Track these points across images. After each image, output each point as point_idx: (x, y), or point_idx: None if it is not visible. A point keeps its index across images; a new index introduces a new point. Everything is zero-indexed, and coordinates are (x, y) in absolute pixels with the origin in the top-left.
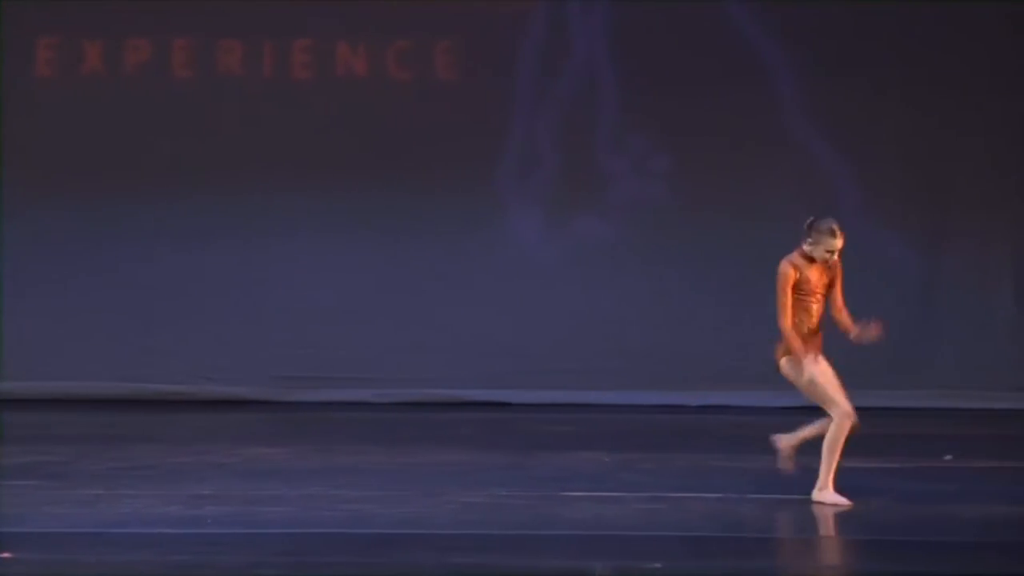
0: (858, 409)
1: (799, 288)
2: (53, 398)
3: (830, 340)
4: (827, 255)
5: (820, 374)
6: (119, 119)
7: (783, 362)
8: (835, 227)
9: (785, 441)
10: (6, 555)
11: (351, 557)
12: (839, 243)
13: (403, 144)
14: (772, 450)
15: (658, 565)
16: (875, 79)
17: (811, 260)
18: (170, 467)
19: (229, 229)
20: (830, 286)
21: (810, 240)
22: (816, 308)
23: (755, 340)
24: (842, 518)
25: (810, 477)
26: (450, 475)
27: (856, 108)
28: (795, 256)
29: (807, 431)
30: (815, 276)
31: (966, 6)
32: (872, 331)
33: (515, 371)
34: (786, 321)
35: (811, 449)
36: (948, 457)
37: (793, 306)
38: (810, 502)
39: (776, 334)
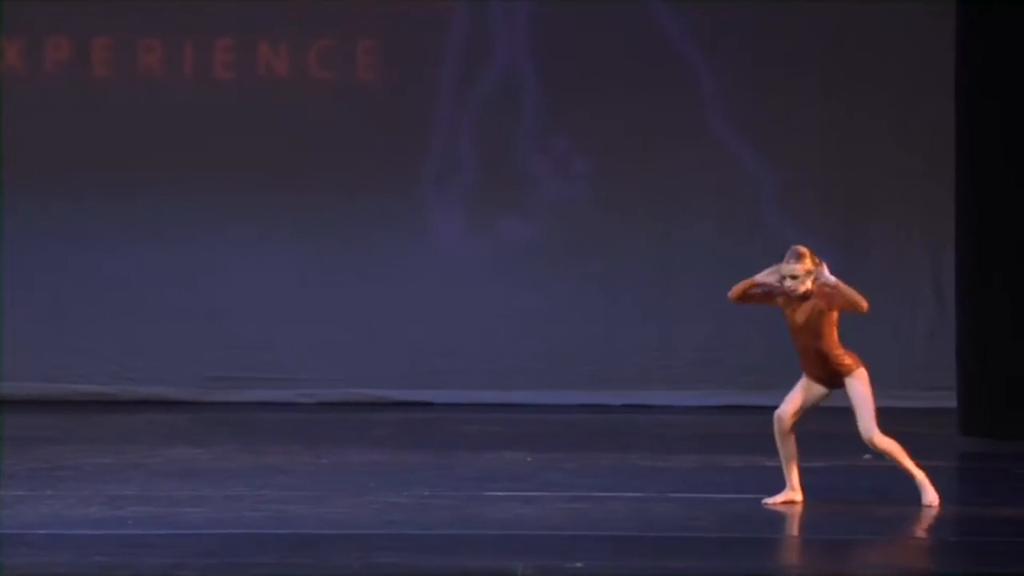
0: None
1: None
2: None
3: (746, 338)
4: (789, 282)
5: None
6: (37, 118)
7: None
8: (794, 250)
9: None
10: None
11: (274, 558)
12: (793, 267)
13: (325, 144)
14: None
15: (580, 564)
16: (795, 80)
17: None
18: (92, 468)
19: (152, 229)
20: (822, 320)
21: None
22: (802, 346)
23: (677, 339)
24: (759, 517)
25: (727, 476)
26: (374, 475)
27: (776, 108)
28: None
29: (791, 475)
30: (799, 314)
31: (886, 6)
32: None
33: (439, 371)
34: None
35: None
36: (867, 456)
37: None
38: (732, 503)
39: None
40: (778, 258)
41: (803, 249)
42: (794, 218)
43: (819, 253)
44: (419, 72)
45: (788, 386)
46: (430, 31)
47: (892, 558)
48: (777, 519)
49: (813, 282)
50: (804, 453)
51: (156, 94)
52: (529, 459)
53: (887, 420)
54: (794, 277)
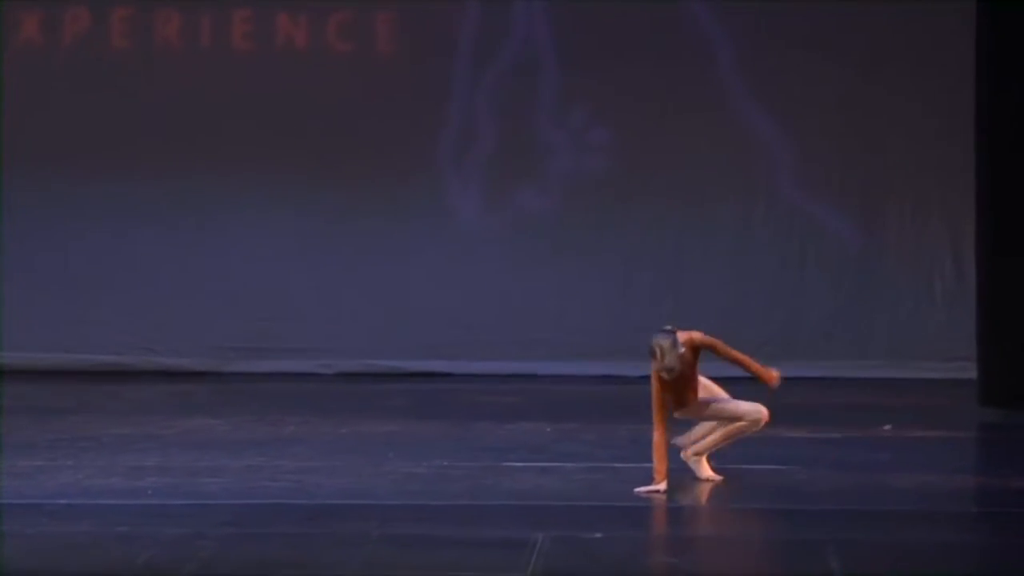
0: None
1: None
2: None
3: (763, 311)
4: (667, 374)
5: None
6: (55, 91)
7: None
8: (651, 346)
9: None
10: None
11: (293, 527)
12: (665, 363)
13: (343, 116)
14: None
15: (599, 534)
16: (814, 49)
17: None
18: (111, 439)
19: (171, 201)
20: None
21: None
22: (689, 408)
23: (694, 311)
24: (779, 487)
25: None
26: (392, 446)
27: (795, 79)
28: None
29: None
30: (678, 387)
31: None
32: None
33: (457, 342)
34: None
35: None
36: (887, 427)
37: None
38: (752, 473)
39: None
40: (795, 231)
41: (658, 345)
42: (812, 191)
43: (838, 227)
44: (437, 44)
45: (806, 357)
46: (449, 2)
47: (911, 529)
48: (795, 488)
49: (676, 358)
50: (820, 424)
51: (174, 66)
52: (548, 430)
53: (908, 391)
54: (670, 369)
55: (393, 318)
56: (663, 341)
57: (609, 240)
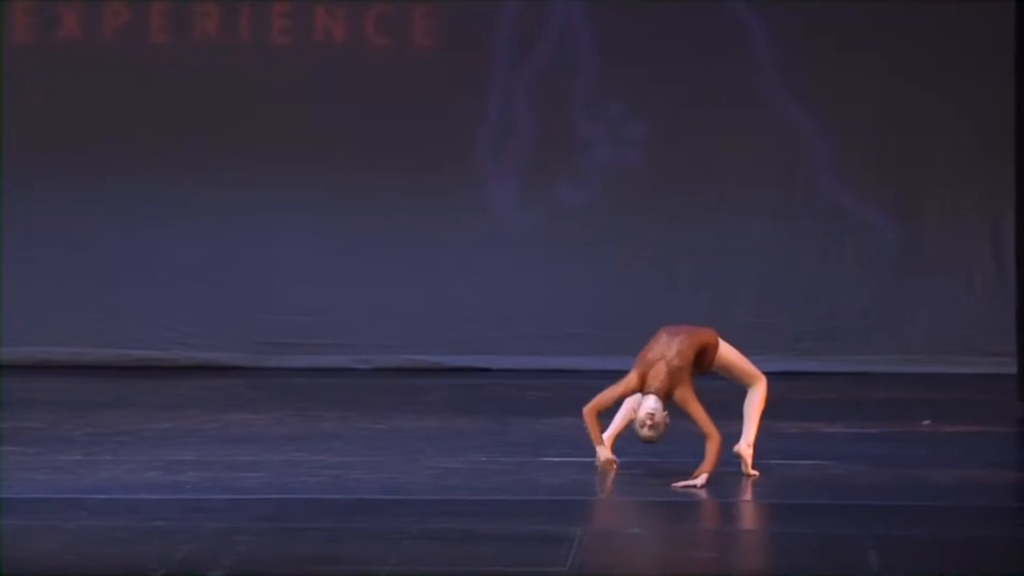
0: (833, 374)
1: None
2: (30, 364)
3: (802, 305)
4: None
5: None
6: (95, 86)
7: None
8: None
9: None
10: None
11: (331, 522)
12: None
13: (381, 110)
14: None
15: (637, 530)
16: (853, 44)
17: None
18: (149, 433)
19: (208, 196)
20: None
21: None
22: None
23: (732, 305)
24: (816, 482)
25: (782, 442)
26: (429, 440)
27: (834, 73)
28: None
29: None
30: None
31: None
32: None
33: (494, 337)
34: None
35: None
36: (926, 422)
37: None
38: (790, 468)
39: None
40: (834, 225)
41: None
42: (850, 184)
43: (877, 221)
44: (475, 38)
45: (845, 351)
46: None
47: (949, 524)
48: (833, 485)
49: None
50: (858, 419)
51: (212, 60)
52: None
53: (947, 386)
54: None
55: (431, 313)
56: (654, 409)
57: (647, 234)
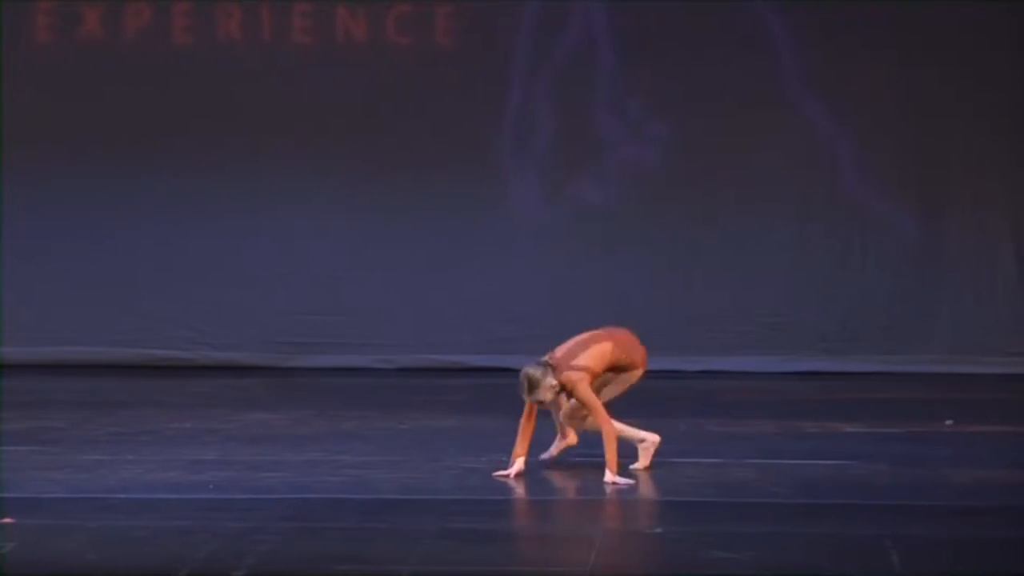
0: (855, 374)
1: None
2: (52, 364)
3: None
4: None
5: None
6: (117, 85)
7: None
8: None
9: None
10: (8, 520)
11: (353, 522)
12: (537, 396)
13: (402, 109)
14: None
15: (659, 530)
16: (875, 43)
17: None
18: (171, 433)
19: (229, 195)
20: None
21: None
22: None
23: (753, 305)
24: (839, 482)
25: (805, 442)
26: (451, 440)
27: (855, 72)
28: None
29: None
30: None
31: None
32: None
33: (515, 336)
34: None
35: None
36: (949, 422)
37: None
38: (811, 468)
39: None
40: (855, 225)
41: (527, 377)
42: (872, 183)
43: (898, 221)
44: (497, 36)
45: (866, 351)
46: None
47: (971, 525)
48: (855, 485)
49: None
50: (880, 419)
51: (234, 60)
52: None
53: (969, 386)
54: (540, 402)
55: (452, 312)
56: (533, 372)
57: (667, 233)
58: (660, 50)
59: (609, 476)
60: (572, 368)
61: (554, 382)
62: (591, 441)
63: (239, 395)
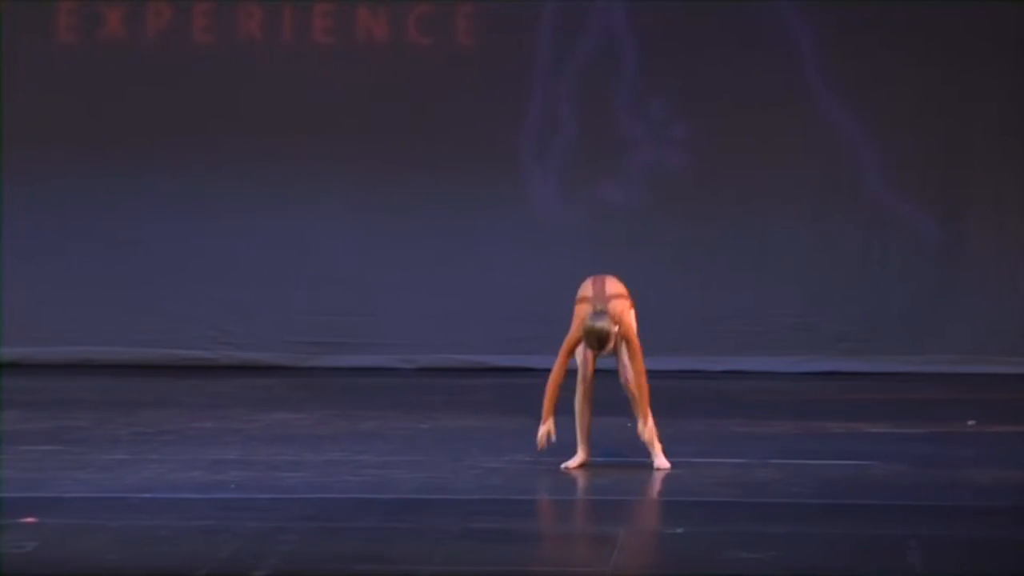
0: (877, 374)
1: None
2: (73, 363)
3: (844, 305)
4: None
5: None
6: (138, 85)
7: None
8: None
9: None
10: (30, 520)
11: (374, 522)
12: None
13: (423, 110)
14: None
15: (680, 530)
16: (896, 43)
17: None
18: (192, 432)
19: (250, 194)
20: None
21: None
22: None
23: (774, 305)
24: (860, 482)
25: (826, 442)
26: (472, 440)
27: (876, 73)
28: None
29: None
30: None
31: None
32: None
33: (537, 336)
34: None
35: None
36: (972, 423)
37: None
38: (832, 468)
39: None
40: (876, 226)
41: (606, 333)
42: (893, 184)
43: (919, 222)
44: (518, 37)
45: (888, 352)
46: None
47: (993, 525)
48: (877, 485)
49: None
50: (902, 419)
51: (255, 60)
52: (628, 425)
53: (991, 386)
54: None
55: (473, 312)
56: (603, 326)
57: (688, 233)
58: (680, 50)
59: (643, 426)
60: (613, 298)
61: (614, 327)
62: (609, 445)
63: (260, 395)
